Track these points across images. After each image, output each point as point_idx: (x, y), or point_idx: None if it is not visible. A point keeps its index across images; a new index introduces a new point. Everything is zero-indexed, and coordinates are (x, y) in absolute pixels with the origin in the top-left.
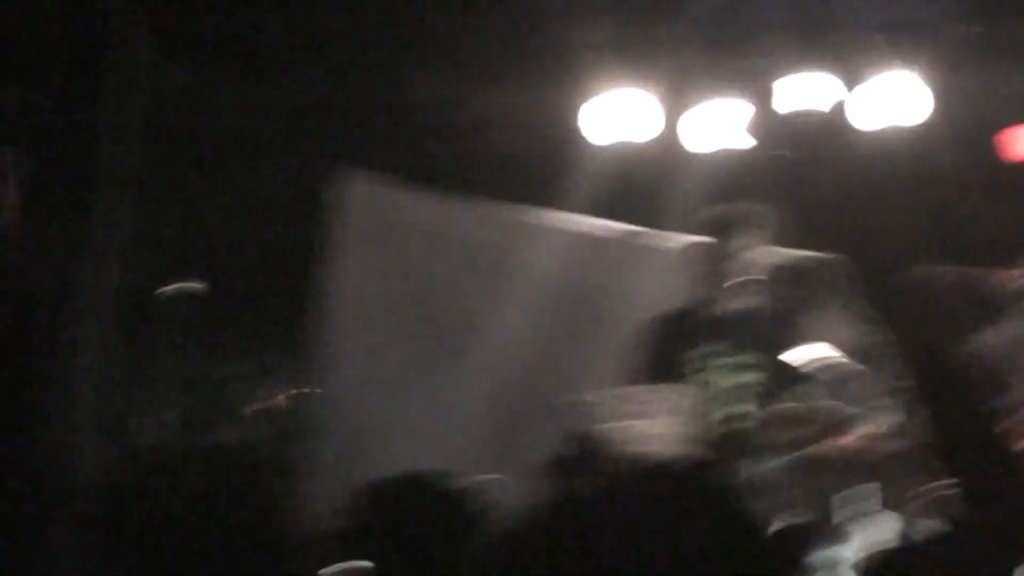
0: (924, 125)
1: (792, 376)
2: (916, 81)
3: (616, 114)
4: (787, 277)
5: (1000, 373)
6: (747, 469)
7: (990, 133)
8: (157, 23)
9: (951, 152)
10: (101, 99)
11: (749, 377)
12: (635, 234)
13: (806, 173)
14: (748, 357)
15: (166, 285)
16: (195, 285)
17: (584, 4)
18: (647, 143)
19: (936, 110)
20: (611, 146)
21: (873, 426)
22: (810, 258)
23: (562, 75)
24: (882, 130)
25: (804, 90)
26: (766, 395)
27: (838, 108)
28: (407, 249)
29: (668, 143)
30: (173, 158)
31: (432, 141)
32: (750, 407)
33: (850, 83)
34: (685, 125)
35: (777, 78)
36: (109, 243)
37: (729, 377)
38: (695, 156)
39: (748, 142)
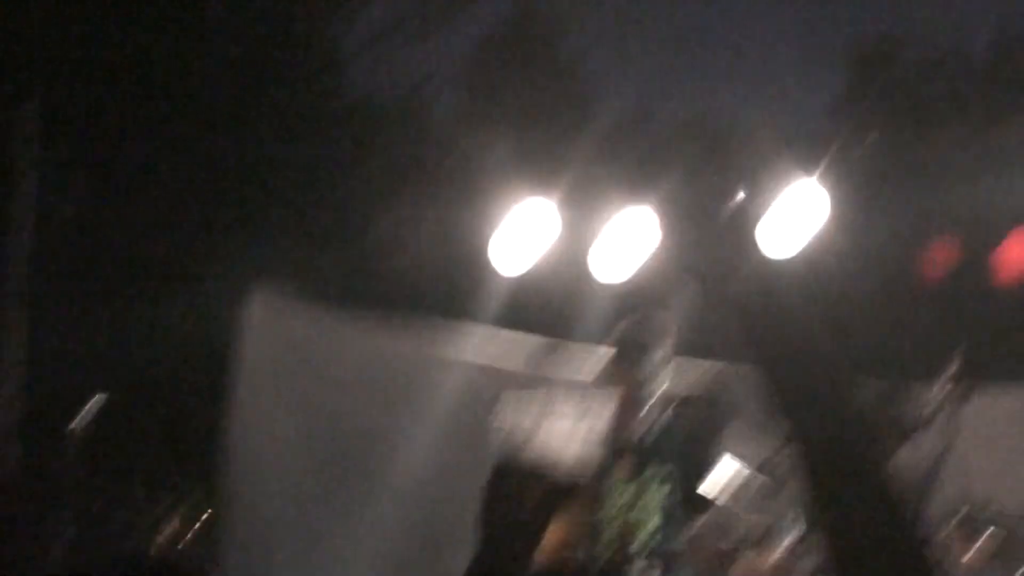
0: (828, 237)
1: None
2: (818, 191)
3: (524, 231)
4: (699, 393)
5: (918, 486)
6: None
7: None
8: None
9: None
10: None
11: (658, 491)
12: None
13: (714, 287)
14: (660, 471)
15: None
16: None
17: (489, 119)
18: (555, 263)
19: (838, 221)
20: (521, 269)
21: (787, 540)
22: (719, 373)
23: (472, 193)
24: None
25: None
26: (676, 509)
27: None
28: (313, 369)
29: (576, 262)
30: (73, 279)
31: (340, 260)
32: (657, 520)
33: (758, 200)
34: (593, 242)
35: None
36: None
37: (639, 491)
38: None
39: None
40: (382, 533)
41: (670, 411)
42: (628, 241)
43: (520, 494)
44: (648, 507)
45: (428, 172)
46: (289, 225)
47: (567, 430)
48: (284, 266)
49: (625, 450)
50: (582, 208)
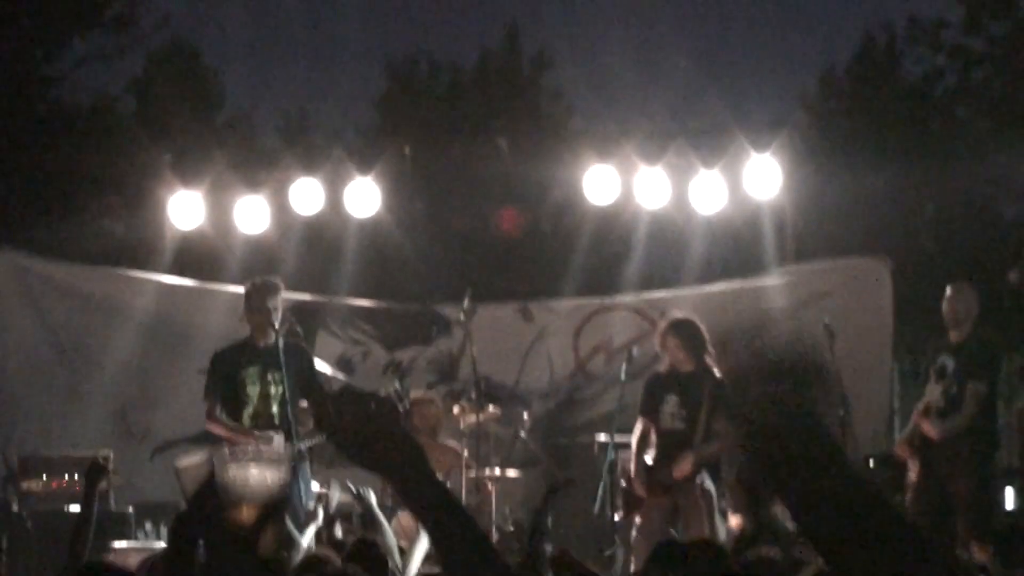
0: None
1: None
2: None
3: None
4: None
5: None
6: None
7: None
8: None
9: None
10: None
11: (272, 388)
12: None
13: None
14: (271, 376)
15: None
16: None
17: None
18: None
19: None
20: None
21: None
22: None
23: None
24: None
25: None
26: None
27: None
28: (48, 304)
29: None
30: None
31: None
32: (274, 409)
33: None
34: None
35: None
36: None
37: (261, 388)
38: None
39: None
40: (98, 407)
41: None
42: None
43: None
44: (270, 401)
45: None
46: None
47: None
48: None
49: (257, 360)
50: None
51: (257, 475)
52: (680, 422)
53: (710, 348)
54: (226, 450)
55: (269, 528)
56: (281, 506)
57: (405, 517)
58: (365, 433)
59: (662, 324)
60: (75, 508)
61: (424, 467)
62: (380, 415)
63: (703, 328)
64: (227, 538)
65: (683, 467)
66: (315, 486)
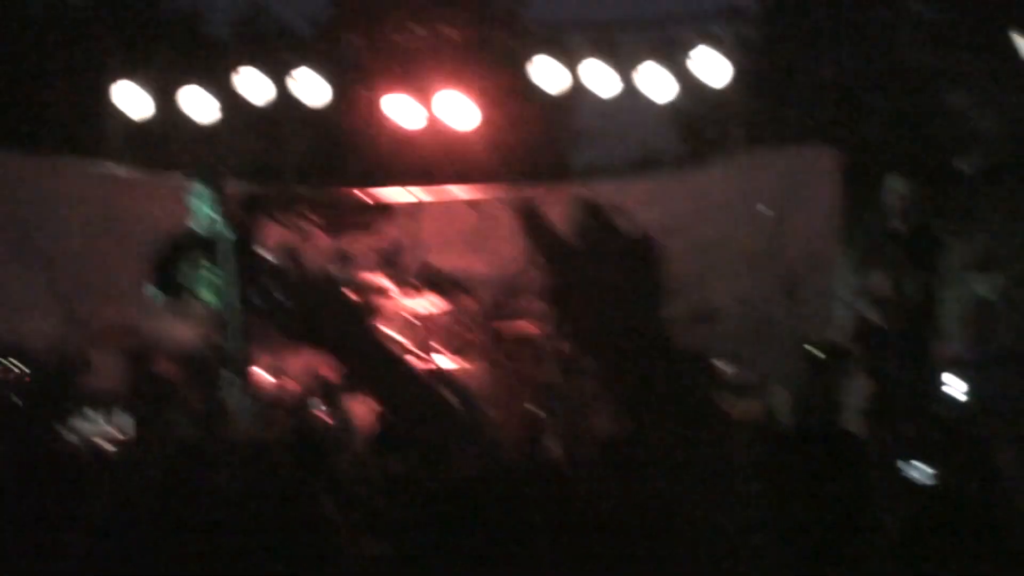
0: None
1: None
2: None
3: None
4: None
5: None
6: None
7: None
8: None
9: None
10: None
11: (211, 277)
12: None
13: None
14: (212, 266)
15: None
16: None
17: None
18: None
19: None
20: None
21: None
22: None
23: None
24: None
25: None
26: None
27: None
28: None
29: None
30: None
31: None
32: (212, 296)
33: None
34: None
35: None
36: None
37: (202, 276)
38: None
39: None
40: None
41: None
42: None
43: None
44: (210, 290)
45: None
46: None
47: None
48: None
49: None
50: None
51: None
52: None
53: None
54: None
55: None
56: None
57: None
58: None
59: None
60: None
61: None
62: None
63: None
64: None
65: None
66: None
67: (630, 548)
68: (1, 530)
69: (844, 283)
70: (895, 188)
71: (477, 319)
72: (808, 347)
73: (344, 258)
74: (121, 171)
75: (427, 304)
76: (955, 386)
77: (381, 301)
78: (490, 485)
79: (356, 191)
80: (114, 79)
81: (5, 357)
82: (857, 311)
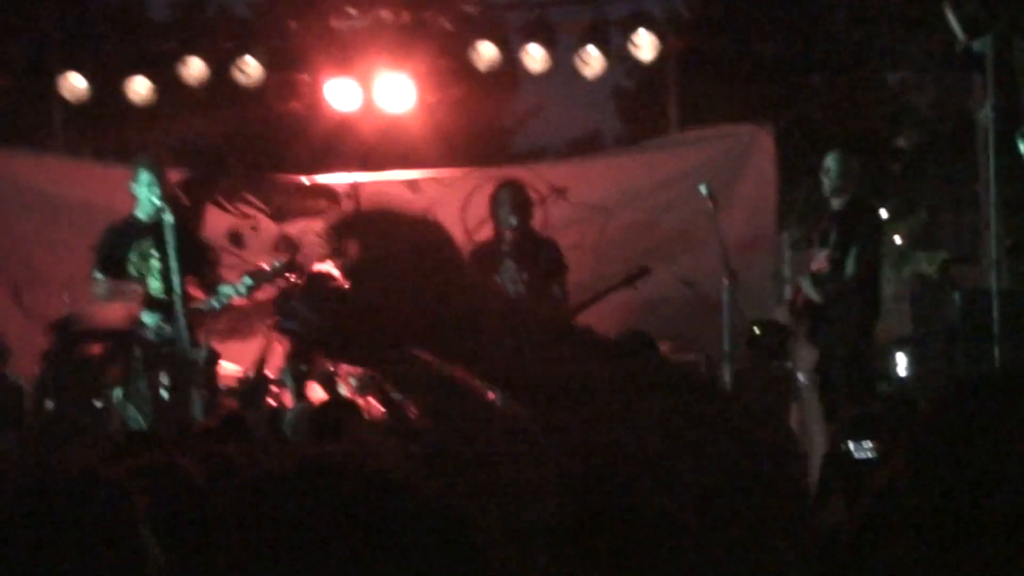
0: None
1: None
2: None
3: None
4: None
5: None
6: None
7: None
8: None
9: None
10: None
11: (156, 262)
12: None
13: None
14: (157, 251)
15: None
16: None
17: None
18: None
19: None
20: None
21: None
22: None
23: None
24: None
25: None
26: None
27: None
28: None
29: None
30: None
31: None
32: (156, 282)
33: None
34: None
35: None
36: None
37: (145, 262)
38: None
39: None
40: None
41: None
42: None
43: None
44: (151, 272)
45: None
46: None
47: None
48: None
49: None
50: None
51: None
52: (522, 286)
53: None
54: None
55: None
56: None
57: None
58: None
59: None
60: None
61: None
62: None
63: (531, 191)
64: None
65: None
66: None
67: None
68: None
69: (784, 262)
70: (833, 165)
71: None
72: (750, 325)
73: (290, 244)
74: (66, 159)
75: None
76: (896, 362)
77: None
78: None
79: (298, 176)
80: (58, 68)
81: None
82: (797, 288)
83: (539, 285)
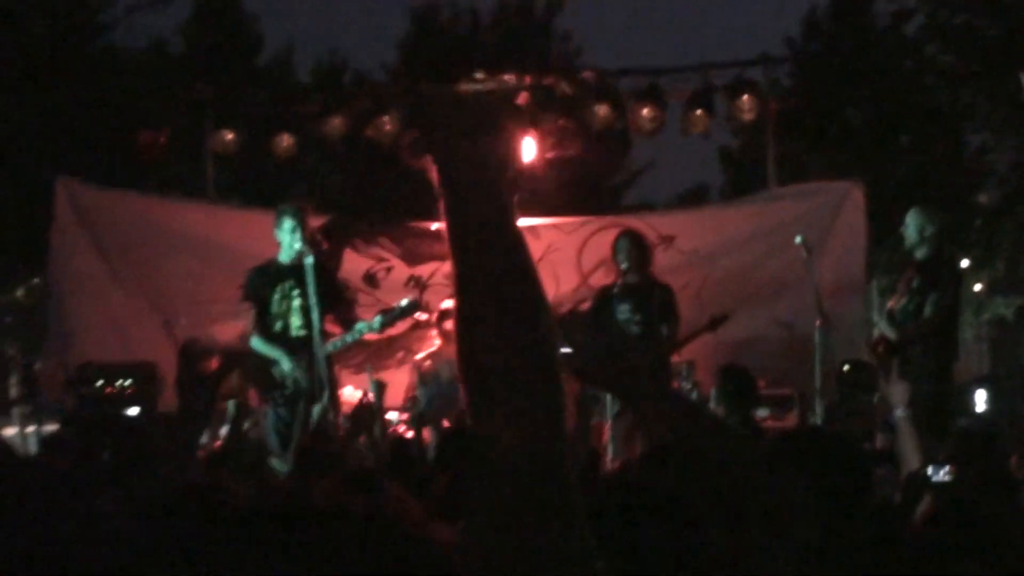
0: None
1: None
2: None
3: None
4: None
5: None
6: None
7: None
8: None
9: None
10: None
11: (297, 302)
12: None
13: None
14: (298, 291)
15: None
16: None
17: None
18: None
19: None
20: None
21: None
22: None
23: None
24: None
25: None
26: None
27: None
28: (102, 227)
29: None
30: None
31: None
32: (297, 319)
33: None
34: None
35: None
36: None
37: (287, 301)
38: None
39: None
40: (147, 320)
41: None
42: None
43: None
44: (294, 311)
45: None
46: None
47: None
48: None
49: (286, 277)
50: None
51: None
52: (635, 327)
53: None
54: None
55: (231, 377)
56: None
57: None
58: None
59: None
60: (127, 411)
61: (662, 387)
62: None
63: (647, 240)
64: (195, 384)
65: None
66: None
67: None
68: None
69: (872, 306)
70: (913, 221)
71: None
72: (840, 363)
73: (420, 284)
74: (220, 208)
75: None
76: (976, 399)
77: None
78: None
79: (428, 223)
80: (211, 126)
81: (116, 375)
82: (883, 332)
83: (650, 327)
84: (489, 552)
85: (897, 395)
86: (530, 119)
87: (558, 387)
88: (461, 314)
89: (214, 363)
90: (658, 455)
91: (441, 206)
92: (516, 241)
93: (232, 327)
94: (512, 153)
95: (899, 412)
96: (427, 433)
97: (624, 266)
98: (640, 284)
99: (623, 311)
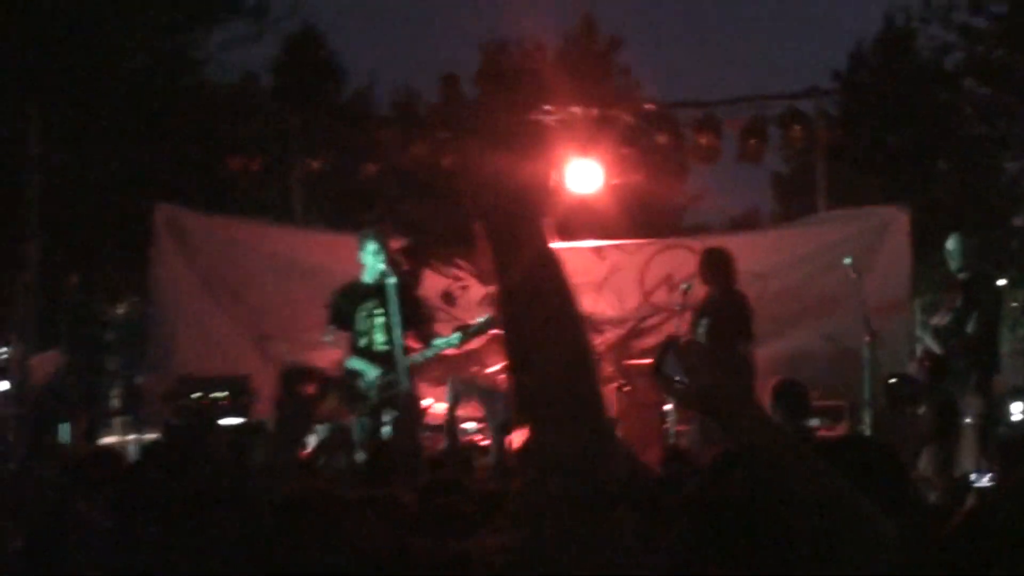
0: None
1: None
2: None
3: None
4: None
5: None
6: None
7: None
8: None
9: None
10: None
11: (380, 319)
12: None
13: None
14: (381, 309)
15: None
16: None
17: None
18: None
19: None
20: None
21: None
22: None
23: None
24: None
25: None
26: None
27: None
28: (199, 249)
29: None
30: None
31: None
32: (380, 336)
33: None
34: None
35: None
36: None
37: (371, 319)
38: None
39: None
40: (241, 336)
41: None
42: None
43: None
44: (379, 328)
45: None
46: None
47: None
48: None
49: (370, 296)
50: None
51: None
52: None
53: (736, 276)
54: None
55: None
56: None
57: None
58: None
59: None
60: (224, 421)
61: (751, 408)
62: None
63: (732, 258)
64: (295, 405)
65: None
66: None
67: None
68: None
69: (916, 323)
70: (954, 246)
71: (608, 354)
72: (887, 376)
73: (492, 301)
74: (306, 230)
75: None
76: (1011, 409)
77: None
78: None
79: None
80: (298, 155)
81: (212, 387)
82: (927, 347)
83: (725, 338)
84: (550, 550)
85: (970, 407)
86: (594, 147)
87: (597, 393)
88: (505, 327)
89: (312, 388)
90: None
91: (477, 228)
92: (548, 259)
93: (329, 354)
94: (544, 180)
95: (969, 420)
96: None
97: (705, 282)
98: (721, 298)
99: (702, 324)
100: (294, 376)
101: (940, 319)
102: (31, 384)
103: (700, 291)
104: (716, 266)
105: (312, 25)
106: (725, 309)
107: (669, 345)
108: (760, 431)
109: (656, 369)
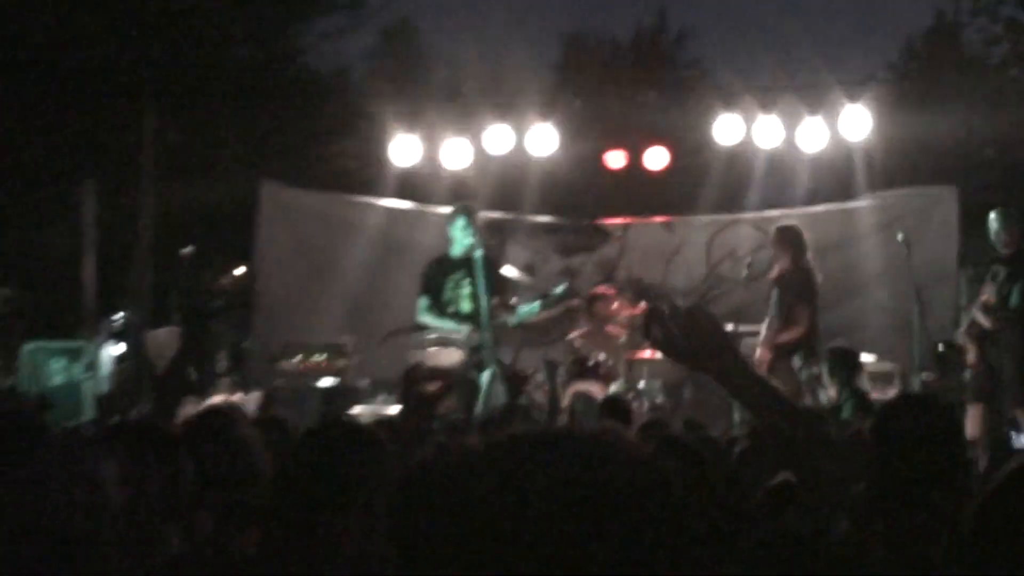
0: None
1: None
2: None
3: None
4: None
5: None
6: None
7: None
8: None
9: None
10: None
11: (467, 290)
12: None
13: None
14: (470, 281)
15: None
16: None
17: None
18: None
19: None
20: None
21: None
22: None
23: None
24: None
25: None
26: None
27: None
28: (300, 224)
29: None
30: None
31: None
32: (467, 304)
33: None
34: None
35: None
36: None
37: (459, 289)
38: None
39: None
40: (338, 305)
41: (483, 248)
42: None
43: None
44: (464, 298)
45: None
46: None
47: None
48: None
49: (458, 269)
50: None
51: (439, 358)
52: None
53: (807, 252)
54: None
55: (449, 397)
56: (459, 381)
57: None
58: (694, 345)
59: (774, 230)
60: (321, 383)
61: (737, 361)
62: (705, 329)
63: (803, 234)
64: (418, 402)
65: (762, 353)
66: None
67: None
68: None
69: (962, 294)
70: (997, 221)
71: None
72: (935, 344)
73: (572, 273)
74: (397, 206)
75: (637, 309)
76: None
77: (602, 306)
78: None
79: (579, 219)
80: (392, 133)
81: (312, 352)
82: (974, 318)
83: (790, 309)
84: None
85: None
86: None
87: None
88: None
89: (435, 386)
90: None
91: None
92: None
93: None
94: None
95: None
96: None
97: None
98: (789, 272)
99: (773, 296)
100: (418, 375)
101: (988, 296)
102: (145, 355)
103: (764, 264)
104: (789, 241)
105: (406, 17)
106: (794, 282)
107: (653, 314)
108: (742, 376)
109: (646, 333)
